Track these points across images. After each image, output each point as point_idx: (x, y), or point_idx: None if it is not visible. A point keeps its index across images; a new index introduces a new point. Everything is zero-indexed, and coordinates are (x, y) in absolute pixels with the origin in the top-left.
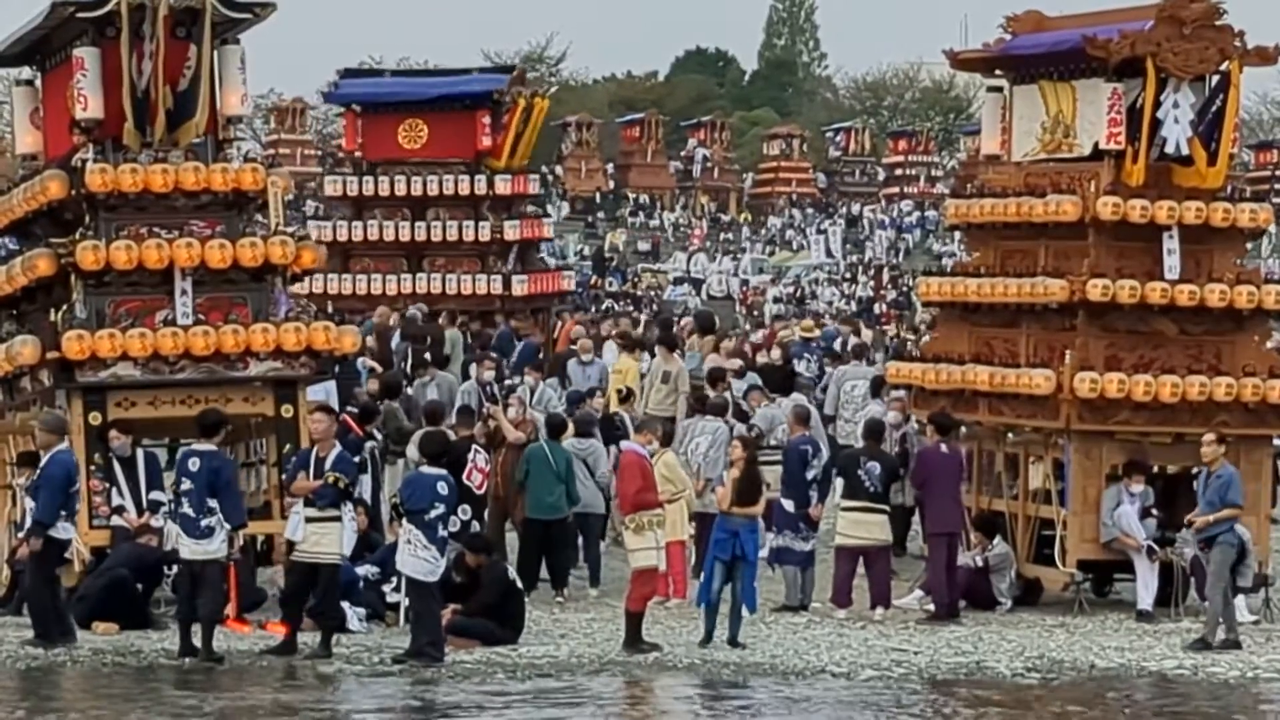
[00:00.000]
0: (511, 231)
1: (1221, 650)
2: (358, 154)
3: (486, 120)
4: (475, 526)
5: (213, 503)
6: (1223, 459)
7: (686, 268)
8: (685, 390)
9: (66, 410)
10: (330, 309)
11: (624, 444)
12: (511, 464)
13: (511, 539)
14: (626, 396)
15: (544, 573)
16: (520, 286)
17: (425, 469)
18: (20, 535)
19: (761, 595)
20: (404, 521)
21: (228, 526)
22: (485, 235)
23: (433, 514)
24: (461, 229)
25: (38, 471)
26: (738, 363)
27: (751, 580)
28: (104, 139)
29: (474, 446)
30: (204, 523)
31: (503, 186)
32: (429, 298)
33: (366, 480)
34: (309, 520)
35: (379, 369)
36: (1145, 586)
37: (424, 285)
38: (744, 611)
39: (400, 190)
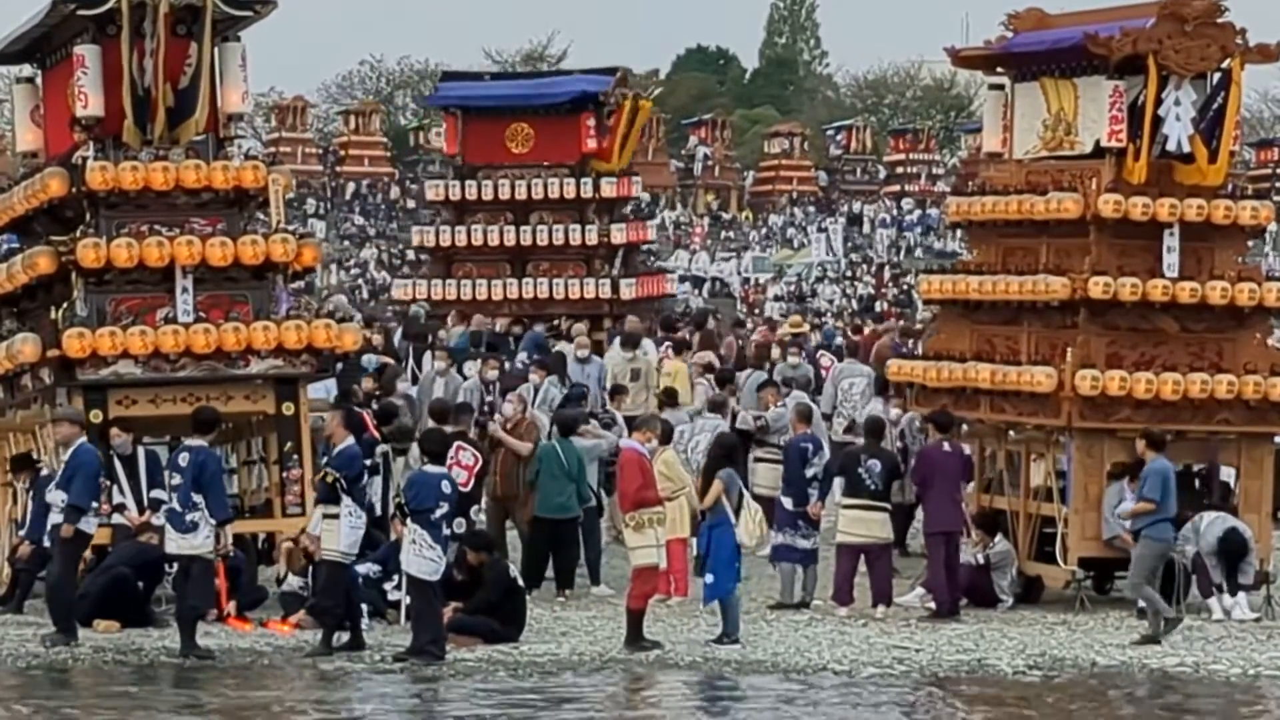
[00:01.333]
0: (618, 234)
1: (1151, 641)
2: (458, 158)
3: (591, 122)
4: (462, 522)
5: (198, 498)
6: (1154, 454)
7: (688, 266)
8: (655, 387)
9: (60, 409)
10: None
11: (623, 442)
12: (511, 464)
13: (511, 537)
14: (670, 397)
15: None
16: (629, 290)
17: (429, 468)
18: (20, 534)
19: (761, 593)
20: (408, 521)
21: (213, 522)
22: (592, 239)
23: (437, 513)
24: (568, 232)
25: (62, 462)
26: (708, 356)
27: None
28: (104, 137)
29: (458, 443)
30: (189, 517)
31: (608, 189)
32: (534, 302)
33: (378, 481)
34: (327, 517)
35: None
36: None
37: (529, 290)
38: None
39: (503, 194)
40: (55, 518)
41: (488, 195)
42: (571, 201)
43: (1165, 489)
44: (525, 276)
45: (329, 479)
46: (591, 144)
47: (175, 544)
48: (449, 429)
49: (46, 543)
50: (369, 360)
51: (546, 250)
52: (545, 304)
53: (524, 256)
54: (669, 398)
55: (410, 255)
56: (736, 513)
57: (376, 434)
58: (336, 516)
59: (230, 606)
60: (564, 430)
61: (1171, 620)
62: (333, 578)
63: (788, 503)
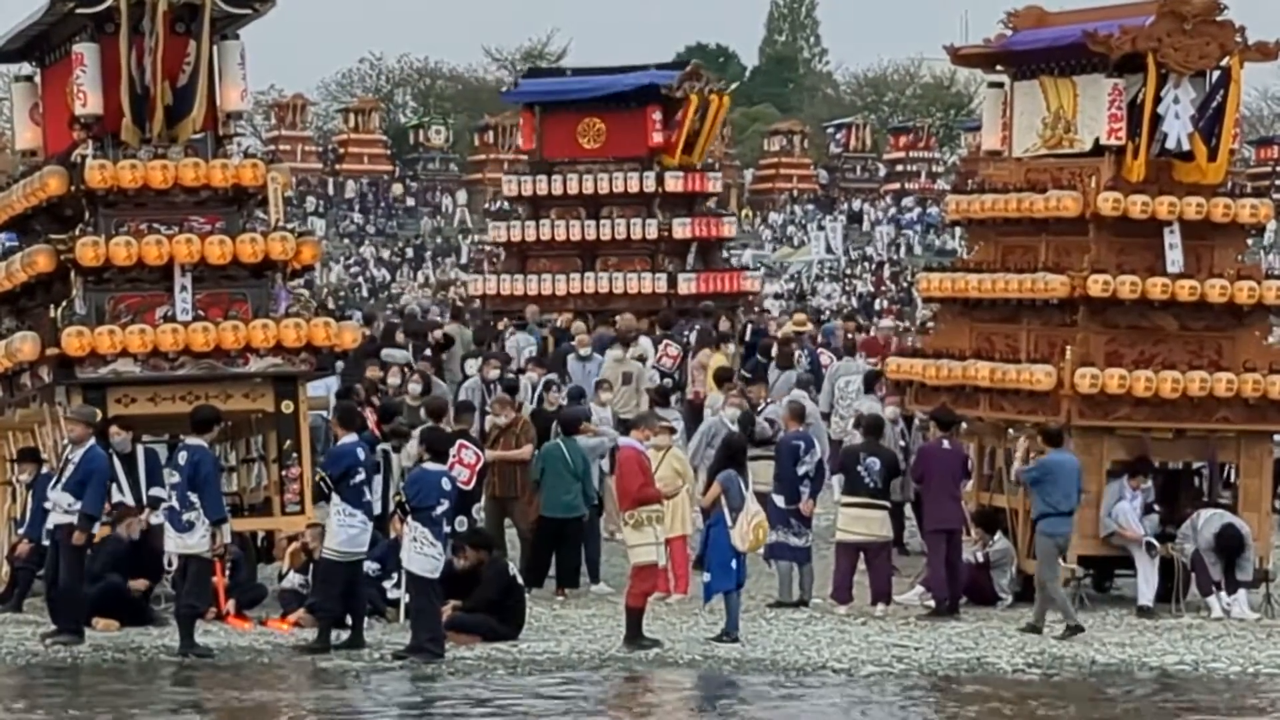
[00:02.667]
0: (681, 229)
1: (1066, 638)
2: (534, 154)
3: (657, 116)
4: (463, 520)
5: (194, 497)
6: (1050, 448)
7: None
8: (646, 390)
9: (66, 406)
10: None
11: (622, 440)
12: (509, 463)
13: (510, 536)
14: (663, 396)
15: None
16: (687, 285)
17: (429, 465)
18: (20, 532)
19: (760, 592)
20: (409, 519)
21: (207, 522)
22: (653, 233)
23: (438, 510)
24: (630, 227)
25: (73, 464)
26: (676, 349)
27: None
28: (103, 135)
29: (460, 441)
30: (185, 517)
31: (673, 183)
32: (597, 297)
33: (378, 480)
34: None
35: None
36: (1146, 582)
37: (599, 285)
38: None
39: (576, 189)
40: (59, 518)
41: (560, 190)
42: (639, 196)
43: (1053, 482)
44: (593, 271)
45: (317, 477)
46: (657, 138)
47: (173, 543)
48: (449, 428)
49: (45, 541)
50: (389, 355)
51: (613, 245)
52: (608, 299)
53: (593, 251)
54: (661, 396)
55: (410, 253)
56: (736, 514)
57: (378, 431)
58: (330, 515)
59: (229, 605)
60: (567, 429)
61: (1074, 628)
62: (326, 575)
63: (779, 501)
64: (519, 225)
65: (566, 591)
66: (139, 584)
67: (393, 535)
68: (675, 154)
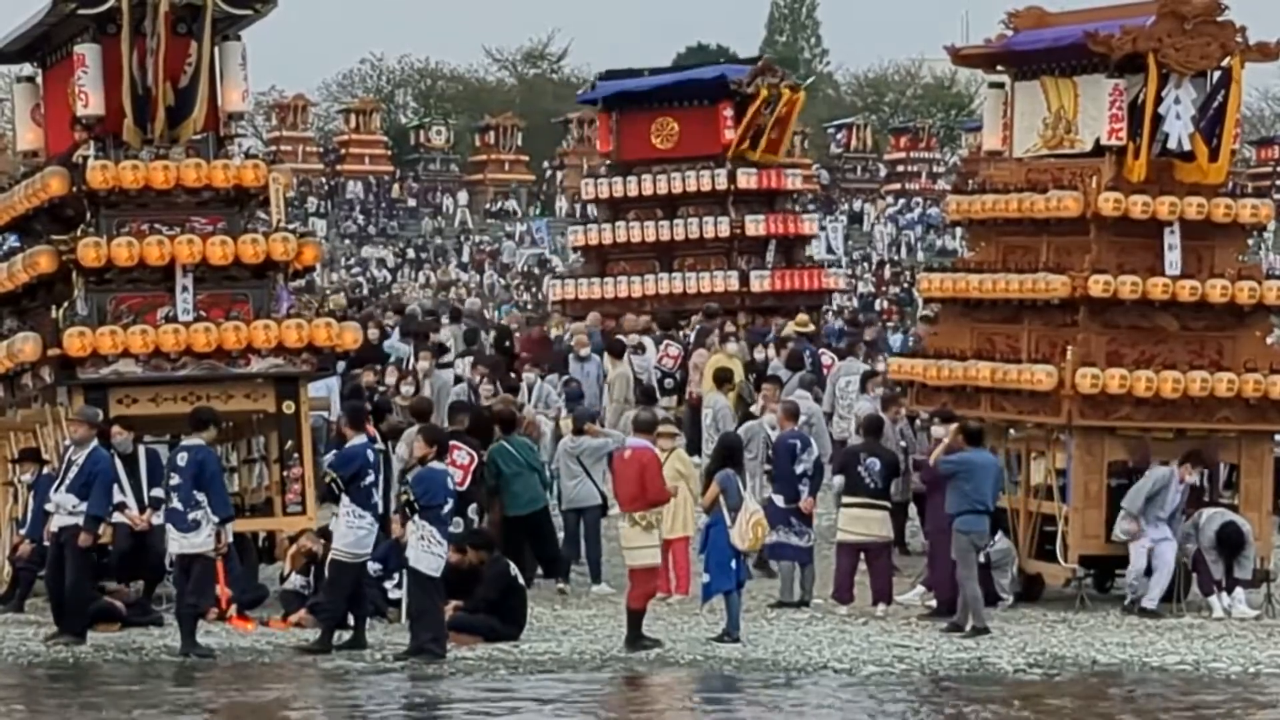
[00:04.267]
0: (754, 226)
1: (955, 630)
2: (611, 155)
3: (729, 113)
4: (458, 521)
5: (200, 496)
6: (970, 446)
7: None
8: (621, 399)
9: (68, 407)
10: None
11: (630, 441)
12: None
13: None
14: (648, 397)
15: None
16: (760, 283)
17: (434, 464)
18: (21, 532)
19: (761, 592)
20: (417, 518)
21: (215, 520)
22: (727, 231)
23: (445, 509)
24: (702, 225)
25: (77, 466)
26: (677, 349)
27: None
28: (105, 135)
29: (453, 442)
30: (191, 516)
31: (746, 180)
32: (672, 297)
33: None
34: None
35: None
36: (1147, 581)
37: (675, 285)
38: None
39: (654, 189)
40: (63, 520)
41: (639, 192)
42: (712, 194)
43: (970, 478)
44: (670, 271)
45: (327, 479)
46: (729, 135)
47: (177, 544)
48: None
49: (45, 542)
50: (392, 347)
51: (689, 244)
52: (683, 299)
53: (671, 251)
54: (646, 397)
55: (411, 254)
56: (735, 514)
57: (375, 432)
58: (338, 516)
59: (232, 607)
60: (505, 427)
61: (981, 630)
62: (335, 577)
63: (779, 500)
64: (598, 228)
65: (566, 586)
66: (122, 593)
67: (394, 535)
68: (740, 149)
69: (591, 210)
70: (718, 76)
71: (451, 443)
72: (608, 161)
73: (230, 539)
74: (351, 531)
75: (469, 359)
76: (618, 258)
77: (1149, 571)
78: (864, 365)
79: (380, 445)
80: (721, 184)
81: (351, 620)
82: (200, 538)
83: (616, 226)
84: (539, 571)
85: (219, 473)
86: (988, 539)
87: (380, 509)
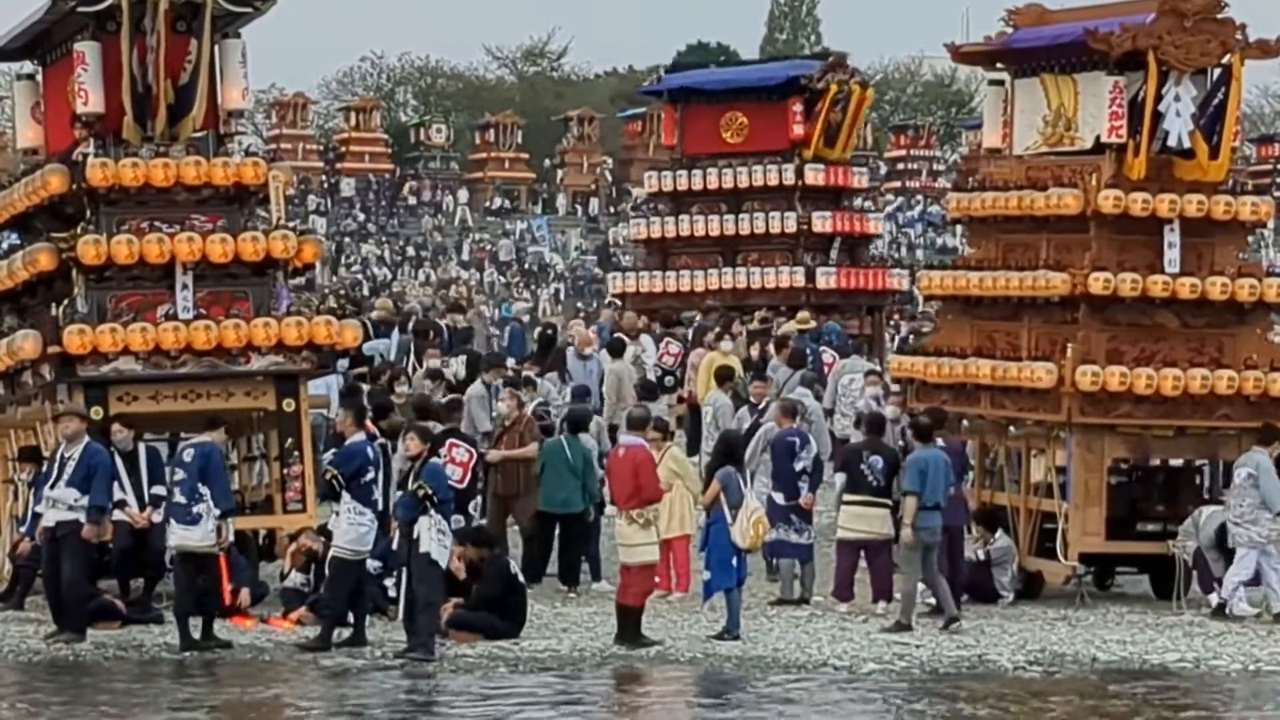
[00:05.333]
0: (821, 223)
1: (904, 629)
2: (675, 149)
3: (798, 108)
4: (459, 519)
5: (204, 489)
6: (921, 444)
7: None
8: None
9: (56, 405)
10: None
11: (625, 438)
12: (512, 461)
13: (512, 534)
14: (648, 392)
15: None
16: (826, 280)
17: (436, 460)
18: (21, 530)
19: (761, 590)
20: (433, 512)
21: (216, 513)
22: (793, 227)
23: (451, 504)
24: (769, 220)
25: (74, 461)
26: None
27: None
28: (105, 133)
29: (451, 440)
30: (194, 509)
31: (813, 176)
32: (736, 292)
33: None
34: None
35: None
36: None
37: (734, 280)
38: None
39: (717, 183)
40: (62, 514)
41: (701, 185)
42: (779, 189)
43: (922, 479)
44: (735, 266)
45: (328, 475)
46: (798, 130)
47: (176, 538)
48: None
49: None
50: (372, 347)
51: (754, 239)
52: (748, 293)
53: (734, 246)
54: (646, 392)
55: (411, 251)
56: (735, 512)
57: (374, 429)
58: (339, 513)
59: (243, 596)
60: (573, 427)
61: (904, 626)
62: (335, 574)
63: (779, 498)
64: (660, 221)
65: (575, 590)
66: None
67: (394, 534)
68: (814, 146)
69: (593, 207)
70: (788, 71)
71: (450, 440)
72: (672, 155)
73: (231, 535)
74: (353, 529)
75: (462, 358)
76: (680, 251)
77: (1255, 580)
78: (866, 363)
79: (382, 441)
80: (790, 179)
81: (351, 618)
82: (199, 532)
83: (680, 220)
84: (548, 570)
85: (223, 468)
86: (939, 536)
87: (380, 506)
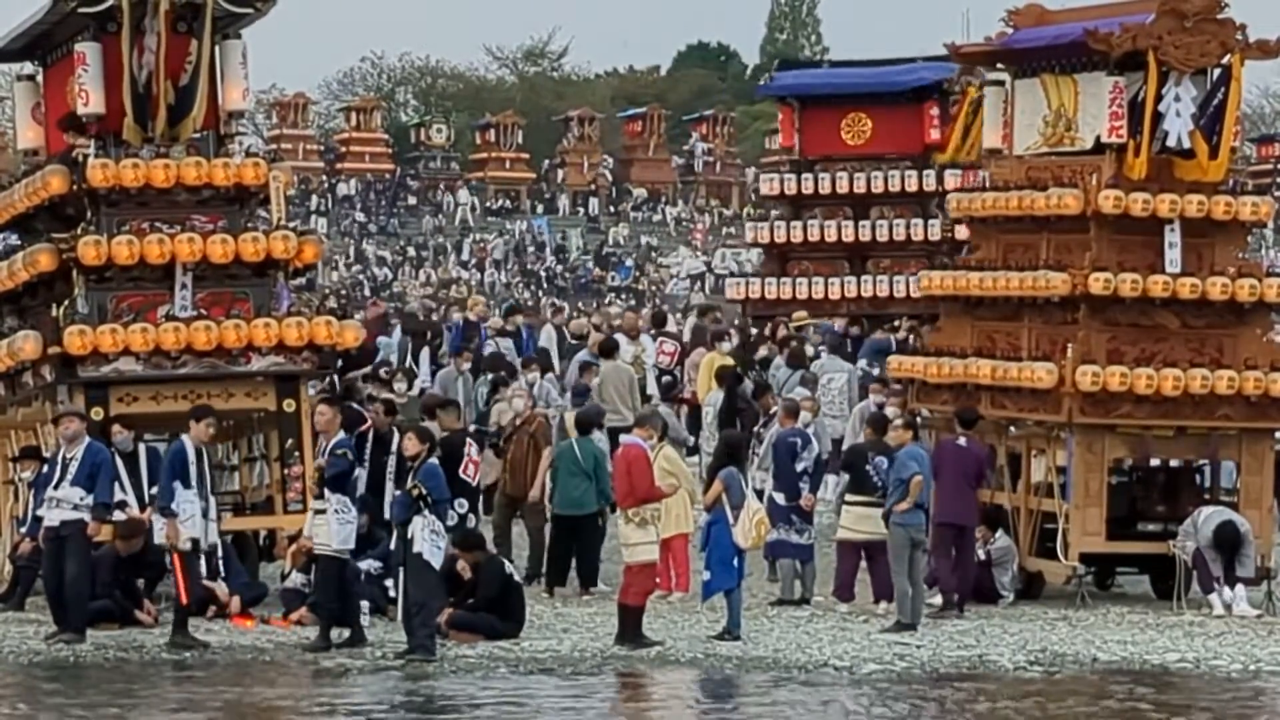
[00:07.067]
0: (964, 230)
1: (906, 629)
2: (793, 150)
3: (935, 112)
4: (472, 519)
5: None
6: (910, 440)
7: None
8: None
9: (55, 406)
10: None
11: (624, 438)
12: (521, 461)
13: (516, 532)
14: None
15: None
16: None
17: (435, 461)
18: (22, 530)
19: (762, 590)
20: (427, 513)
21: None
22: (935, 234)
23: (446, 503)
24: (909, 227)
25: (76, 460)
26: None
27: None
28: (105, 134)
29: (468, 439)
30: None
31: (953, 182)
32: (873, 301)
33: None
34: (316, 512)
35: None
36: None
37: (868, 288)
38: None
39: (841, 188)
40: (66, 514)
41: (825, 189)
42: (913, 195)
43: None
44: (865, 274)
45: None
46: (934, 134)
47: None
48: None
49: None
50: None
51: (887, 246)
52: (885, 303)
53: (863, 253)
54: (663, 393)
55: (412, 251)
56: (737, 512)
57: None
58: (325, 512)
59: (233, 603)
60: (582, 428)
61: (907, 626)
62: (326, 573)
63: (780, 498)
64: (777, 226)
65: (592, 590)
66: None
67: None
68: (948, 149)
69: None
70: (920, 73)
71: (468, 439)
72: (790, 157)
73: (186, 535)
74: (344, 528)
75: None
76: (800, 256)
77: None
78: (849, 365)
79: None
80: (930, 184)
81: (348, 618)
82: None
83: (800, 225)
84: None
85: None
86: (924, 536)
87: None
